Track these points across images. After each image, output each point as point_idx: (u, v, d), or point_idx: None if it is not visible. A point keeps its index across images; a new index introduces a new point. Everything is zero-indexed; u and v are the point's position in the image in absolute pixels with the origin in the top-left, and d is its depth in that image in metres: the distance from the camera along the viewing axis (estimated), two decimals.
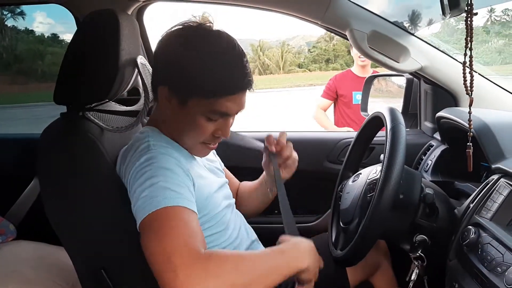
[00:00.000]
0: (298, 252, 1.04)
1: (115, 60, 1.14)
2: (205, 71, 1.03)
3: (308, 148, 1.92)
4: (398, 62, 1.65)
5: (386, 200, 1.10)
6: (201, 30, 1.08)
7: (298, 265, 1.02)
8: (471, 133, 0.96)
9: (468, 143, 0.95)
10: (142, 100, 1.34)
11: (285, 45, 48.56)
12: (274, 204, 1.78)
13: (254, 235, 1.37)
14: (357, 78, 3.08)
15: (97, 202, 1.13)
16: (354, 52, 3.01)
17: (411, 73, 1.77)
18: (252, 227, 1.40)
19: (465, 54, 0.88)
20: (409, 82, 1.92)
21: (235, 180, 1.55)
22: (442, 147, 1.59)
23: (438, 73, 1.66)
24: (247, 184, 1.54)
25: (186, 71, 1.04)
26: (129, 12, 1.74)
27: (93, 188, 1.14)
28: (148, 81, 1.27)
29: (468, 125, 0.96)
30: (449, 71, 1.65)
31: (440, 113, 1.51)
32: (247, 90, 1.09)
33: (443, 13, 0.96)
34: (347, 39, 1.63)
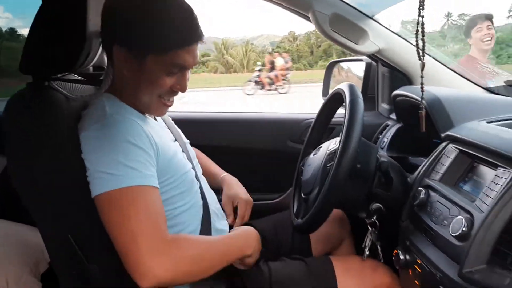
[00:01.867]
0: (246, 241, 1.18)
1: (82, 30, 1.15)
2: (162, 25, 1.07)
3: (271, 128, 1.97)
4: (358, 44, 1.72)
5: (344, 169, 1.15)
6: None
7: (245, 252, 1.16)
8: (424, 100, 1.04)
9: (420, 105, 1.03)
10: None
11: (249, 44, 48.60)
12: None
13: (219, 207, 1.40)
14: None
15: (64, 170, 1.14)
16: (476, 36, 3.00)
17: (369, 56, 1.85)
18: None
19: (418, 23, 0.94)
20: (367, 67, 2.00)
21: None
22: (398, 126, 1.67)
23: (395, 56, 1.74)
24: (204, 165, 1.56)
25: (144, 27, 1.07)
26: None
27: (59, 156, 1.15)
28: None
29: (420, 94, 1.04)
30: (405, 53, 1.74)
31: (395, 92, 1.59)
32: (199, 42, 1.13)
33: None
34: (310, 21, 1.69)
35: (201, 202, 1.26)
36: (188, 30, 1.10)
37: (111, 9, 1.12)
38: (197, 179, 1.28)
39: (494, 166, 0.94)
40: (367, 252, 1.31)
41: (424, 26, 0.92)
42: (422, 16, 0.91)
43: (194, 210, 1.23)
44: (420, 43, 0.94)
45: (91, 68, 1.55)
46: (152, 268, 0.93)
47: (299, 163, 1.56)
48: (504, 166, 0.91)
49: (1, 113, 1.15)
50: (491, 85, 1.76)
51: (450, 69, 1.76)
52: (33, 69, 1.20)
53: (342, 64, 2.45)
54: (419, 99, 1.27)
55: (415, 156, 1.52)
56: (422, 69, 0.94)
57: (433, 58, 1.76)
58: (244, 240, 1.18)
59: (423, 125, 1.01)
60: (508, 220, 0.84)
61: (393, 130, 1.68)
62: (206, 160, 1.61)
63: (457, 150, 1.09)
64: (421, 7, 0.92)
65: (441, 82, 1.69)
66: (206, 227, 1.24)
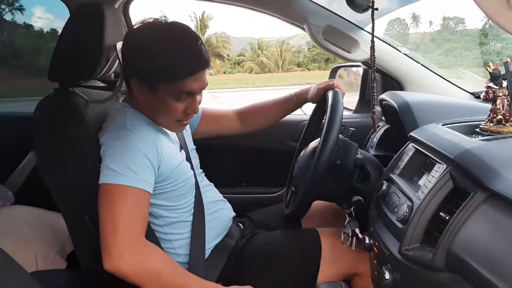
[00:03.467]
0: None
1: (100, 44, 1.37)
2: (166, 59, 1.21)
3: (274, 129, 2.14)
4: (350, 53, 1.89)
5: (322, 165, 1.32)
6: (156, 24, 1.26)
7: None
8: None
9: (373, 110, 1.19)
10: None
11: (284, 44, 48.51)
12: (243, 176, 2.03)
13: (218, 195, 1.61)
14: None
15: (82, 162, 1.35)
16: None
17: (363, 63, 2.01)
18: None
19: (372, 41, 1.12)
20: (365, 72, 2.15)
21: (227, 112, 1.78)
22: (386, 127, 1.82)
23: (385, 63, 1.89)
24: (263, 102, 1.77)
25: (150, 62, 1.22)
26: (116, 6, 1.98)
27: (79, 151, 1.36)
28: None
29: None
30: (394, 61, 1.89)
31: (381, 96, 1.74)
32: (206, 69, 1.27)
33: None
34: (305, 31, 1.87)
35: (194, 203, 1.45)
36: (193, 60, 1.23)
37: (126, 47, 1.30)
38: (196, 184, 1.47)
39: (435, 162, 1.10)
40: (348, 238, 1.46)
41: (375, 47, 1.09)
42: (373, 35, 1.09)
43: (189, 208, 1.43)
44: (372, 54, 1.11)
45: (112, 75, 1.78)
46: (118, 256, 1.12)
47: (294, 160, 1.74)
48: (439, 161, 1.07)
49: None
50: None
51: (438, 75, 1.90)
52: (59, 77, 1.43)
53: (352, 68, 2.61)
54: (393, 103, 1.44)
55: None
56: (373, 79, 1.11)
57: (422, 65, 1.91)
58: None
59: (375, 126, 1.18)
60: (437, 207, 1.00)
61: (381, 130, 1.83)
62: (265, 101, 1.79)
63: (414, 149, 1.25)
64: (373, 29, 1.10)
65: (427, 87, 1.84)
66: (198, 220, 1.43)
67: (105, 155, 1.24)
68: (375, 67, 1.10)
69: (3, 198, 2.02)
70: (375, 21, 1.35)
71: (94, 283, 1.42)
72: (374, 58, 1.09)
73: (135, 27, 1.31)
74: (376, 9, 1.06)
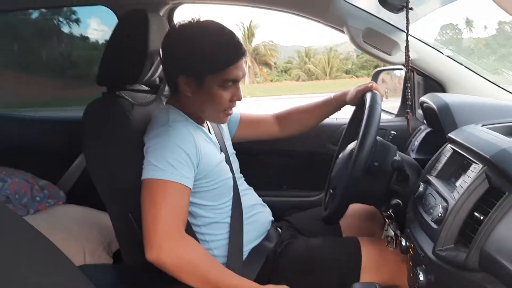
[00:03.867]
0: None
1: (145, 50, 1.43)
2: (210, 52, 1.31)
3: (314, 132, 2.15)
4: (391, 55, 1.87)
5: (359, 166, 1.32)
6: (194, 24, 1.37)
7: None
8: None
9: (407, 110, 1.18)
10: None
11: (332, 51, 48.16)
12: (282, 179, 2.06)
13: (257, 199, 1.63)
14: None
15: (127, 163, 1.41)
16: None
17: (405, 66, 1.98)
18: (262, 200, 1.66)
19: (407, 40, 1.12)
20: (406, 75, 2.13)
21: (265, 117, 1.83)
22: (427, 130, 1.79)
23: (426, 65, 1.86)
24: (302, 106, 1.82)
25: (196, 57, 1.32)
26: (161, 13, 2.06)
27: (125, 152, 1.43)
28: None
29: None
30: (436, 63, 1.86)
31: (421, 98, 1.72)
32: (244, 57, 1.36)
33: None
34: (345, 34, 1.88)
35: (232, 202, 1.48)
36: (233, 49, 1.35)
37: (168, 48, 1.39)
38: (235, 186, 1.50)
39: (472, 162, 1.09)
40: (392, 241, 1.44)
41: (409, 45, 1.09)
42: (407, 32, 1.09)
43: (227, 209, 1.46)
44: (407, 52, 1.11)
45: (157, 79, 1.85)
46: (158, 247, 1.18)
47: (333, 163, 1.74)
48: (476, 161, 1.05)
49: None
50: None
51: (482, 77, 1.86)
52: (107, 81, 1.51)
53: (395, 71, 2.59)
54: (433, 105, 1.43)
55: None
56: (408, 79, 1.11)
57: (466, 67, 1.87)
58: None
59: (409, 127, 1.17)
60: (472, 207, 0.99)
61: (423, 134, 1.80)
62: (303, 105, 1.83)
63: (452, 150, 1.23)
64: (407, 28, 1.10)
65: (470, 89, 1.80)
66: (236, 222, 1.46)
67: (147, 152, 1.31)
68: (409, 67, 1.10)
69: (55, 197, 2.13)
70: (412, 21, 1.35)
71: (136, 277, 1.47)
72: (409, 57, 1.09)
73: (173, 29, 1.41)
74: (411, 8, 1.07)
